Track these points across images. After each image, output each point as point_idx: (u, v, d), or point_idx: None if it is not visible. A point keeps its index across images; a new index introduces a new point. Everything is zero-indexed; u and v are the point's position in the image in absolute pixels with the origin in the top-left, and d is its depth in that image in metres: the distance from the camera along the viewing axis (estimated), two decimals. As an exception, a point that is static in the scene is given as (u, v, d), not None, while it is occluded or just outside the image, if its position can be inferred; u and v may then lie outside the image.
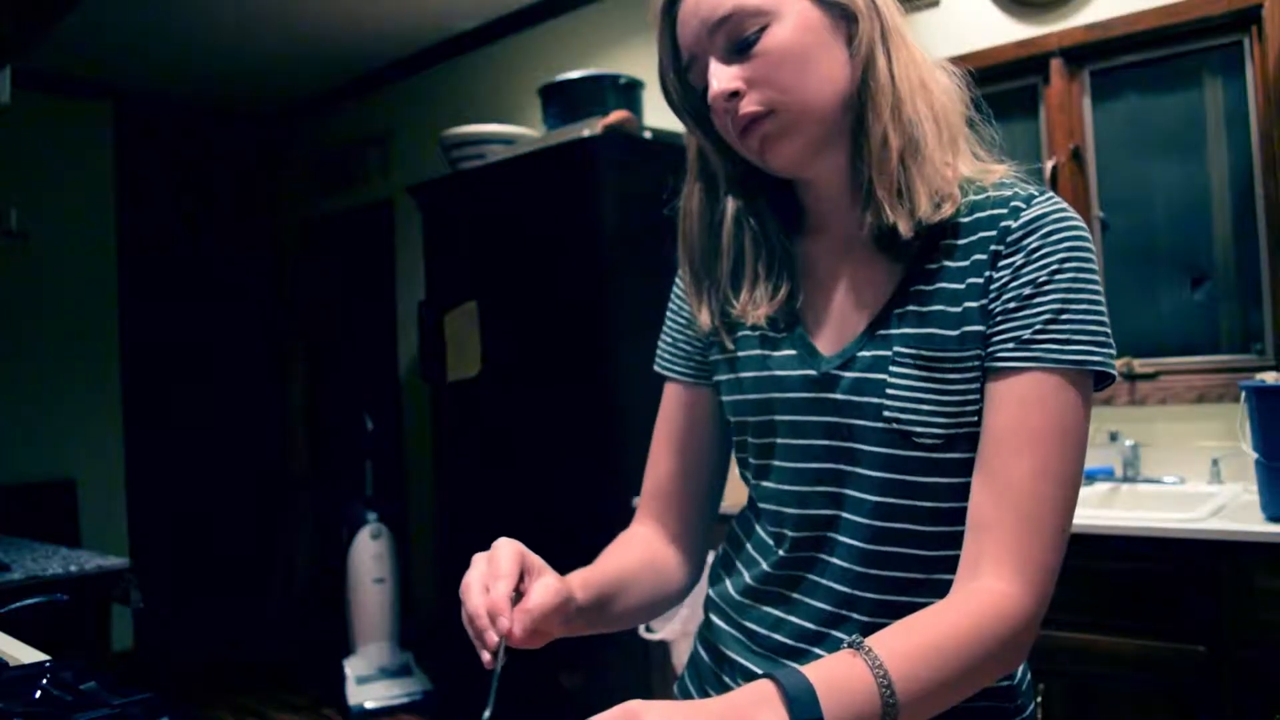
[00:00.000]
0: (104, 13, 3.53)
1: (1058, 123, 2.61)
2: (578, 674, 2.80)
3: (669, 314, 1.04)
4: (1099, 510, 2.22)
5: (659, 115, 3.17)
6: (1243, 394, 2.01)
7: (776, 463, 0.90)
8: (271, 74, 4.57)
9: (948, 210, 0.81)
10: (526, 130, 3.41)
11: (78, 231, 4.42)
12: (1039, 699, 2.01)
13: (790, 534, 0.88)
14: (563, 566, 0.95)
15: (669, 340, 1.03)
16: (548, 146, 2.99)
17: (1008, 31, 2.65)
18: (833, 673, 0.67)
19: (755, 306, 0.91)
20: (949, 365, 0.80)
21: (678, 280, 1.02)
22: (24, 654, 1.18)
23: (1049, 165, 2.60)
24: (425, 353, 3.51)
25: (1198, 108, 2.48)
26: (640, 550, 0.98)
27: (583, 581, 0.87)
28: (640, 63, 3.38)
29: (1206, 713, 1.85)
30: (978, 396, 0.79)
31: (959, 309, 0.80)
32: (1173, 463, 2.39)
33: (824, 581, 0.86)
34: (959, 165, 0.85)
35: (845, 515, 0.85)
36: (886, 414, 0.81)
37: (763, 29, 0.80)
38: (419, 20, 3.98)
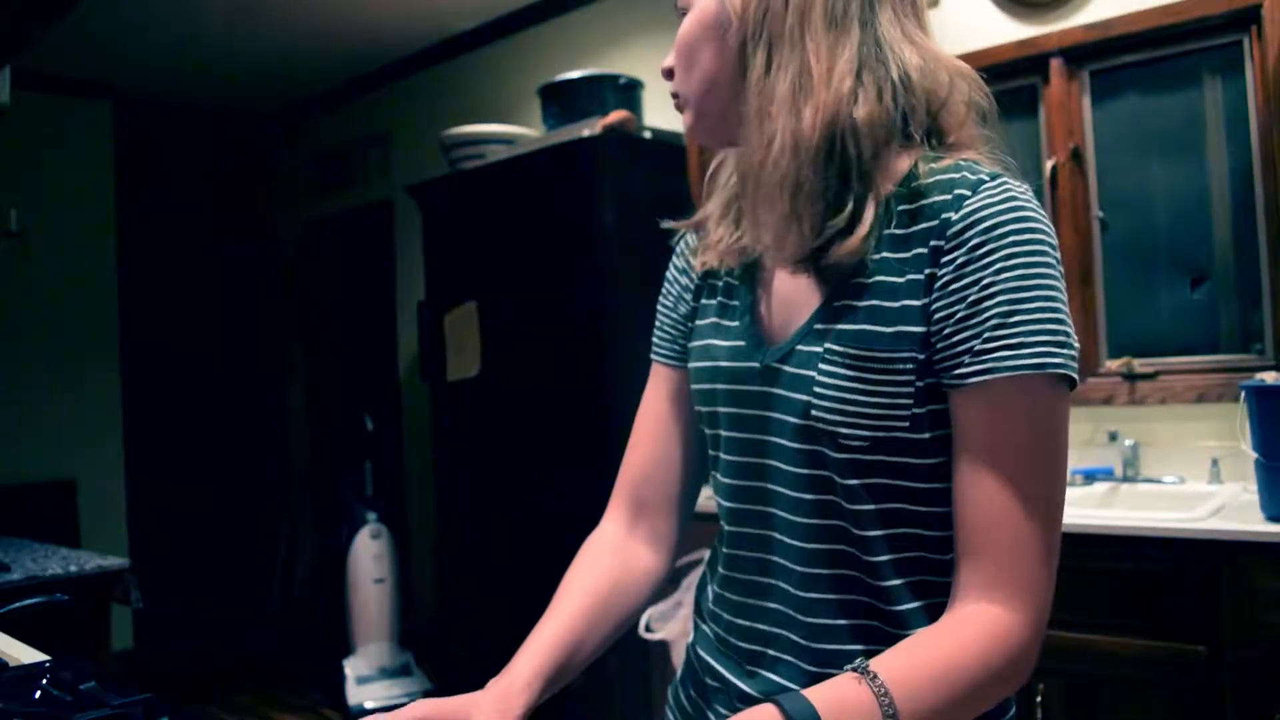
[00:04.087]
0: (104, 13, 3.53)
1: (1057, 123, 2.61)
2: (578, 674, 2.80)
3: (661, 295, 1.01)
4: (1099, 510, 2.22)
5: (659, 115, 3.17)
6: (1242, 394, 2.01)
7: (721, 455, 0.88)
8: (271, 74, 4.57)
9: (853, 243, 0.75)
10: (526, 130, 3.41)
11: (78, 231, 4.42)
12: (1039, 699, 2.01)
13: (728, 529, 0.88)
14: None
15: (657, 323, 1.01)
16: (547, 146, 2.99)
17: (1007, 31, 2.65)
18: (836, 697, 0.67)
19: (717, 246, 0.90)
20: (878, 365, 0.75)
21: (672, 261, 1.00)
22: (24, 654, 1.18)
23: (1049, 165, 2.60)
24: (425, 353, 3.51)
25: (1197, 108, 2.48)
26: (600, 576, 0.93)
27: (532, 676, 0.82)
28: (640, 63, 3.38)
29: (1206, 713, 1.85)
30: (909, 401, 0.74)
31: (897, 305, 0.75)
32: (1172, 462, 2.39)
33: (773, 582, 0.84)
34: (878, 183, 0.77)
35: (779, 513, 0.83)
36: (813, 413, 0.77)
37: (685, 15, 0.84)
38: (419, 20, 3.98)
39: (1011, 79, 2.66)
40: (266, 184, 5.32)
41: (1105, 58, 2.56)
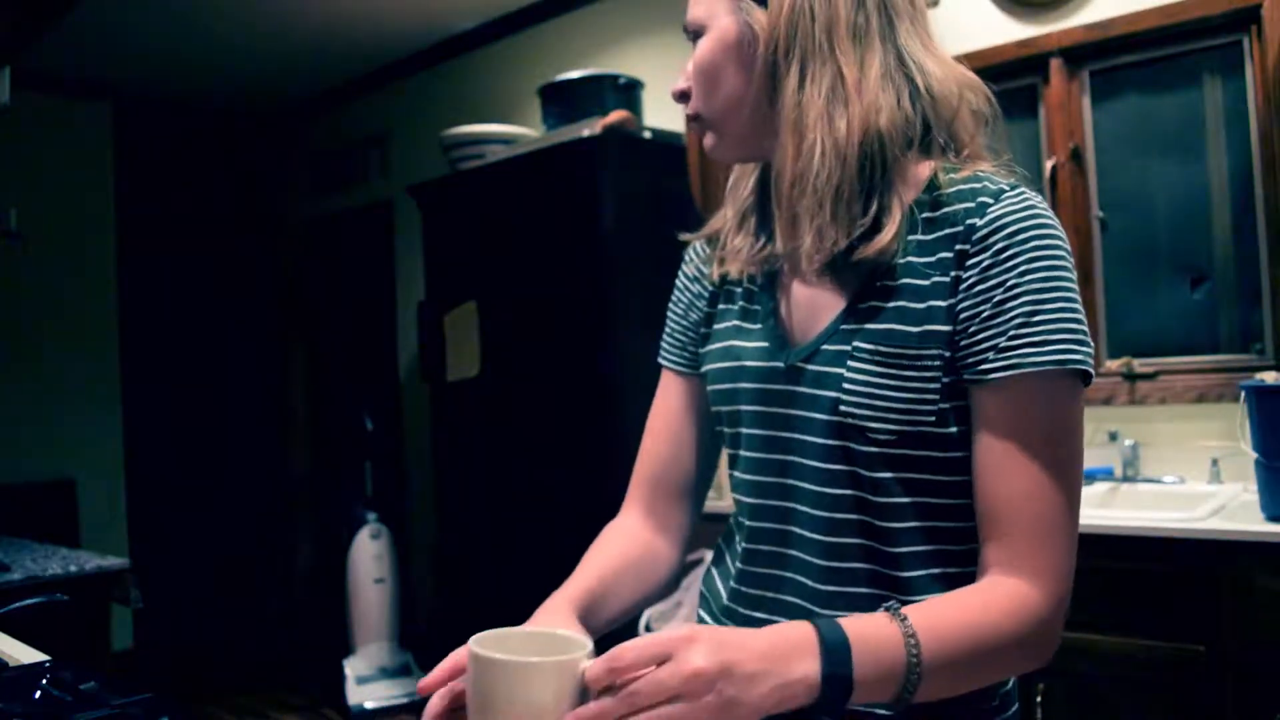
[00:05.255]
0: (104, 13, 3.53)
1: (1057, 123, 2.61)
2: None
3: (670, 303, 1.05)
4: (1099, 510, 2.22)
5: (658, 115, 3.17)
6: (1242, 394, 2.01)
7: (742, 452, 0.92)
8: (271, 74, 4.57)
9: (882, 241, 0.80)
10: (526, 130, 3.41)
11: (78, 232, 4.42)
12: (1040, 699, 2.01)
13: (748, 524, 0.91)
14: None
15: (667, 330, 1.05)
16: (547, 146, 2.99)
17: (1008, 31, 2.65)
18: (867, 631, 0.70)
19: (737, 256, 0.93)
20: (906, 362, 0.80)
21: (682, 269, 1.04)
22: (24, 654, 1.18)
23: (1049, 165, 2.60)
24: (425, 353, 3.51)
25: (1197, 108, 2.48)
26: (621, 549, 0.97)
27: (570, 598, 0.87)
28: (640, 63, 3.38)
29: (1206, 713, 1.85)
30: (935, 397, 0.79)
31: (923, 306, 0.80)
32: (1173, 463, 2.39)
33: (790, 575, 0.87)
34: (899, 188, 0.83)
35: (800, 508, 0.86)
36: (842, 408, 0.82)
37: (699, 39, 0.87)
38: (419, 20, 3.98)
39: (1011, 79, 2.66)
40: (266, 184, 5.31)
41: (1105, 58, 2.56)
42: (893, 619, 0.72)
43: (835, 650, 0.68)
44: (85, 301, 4.44)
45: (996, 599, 0.76)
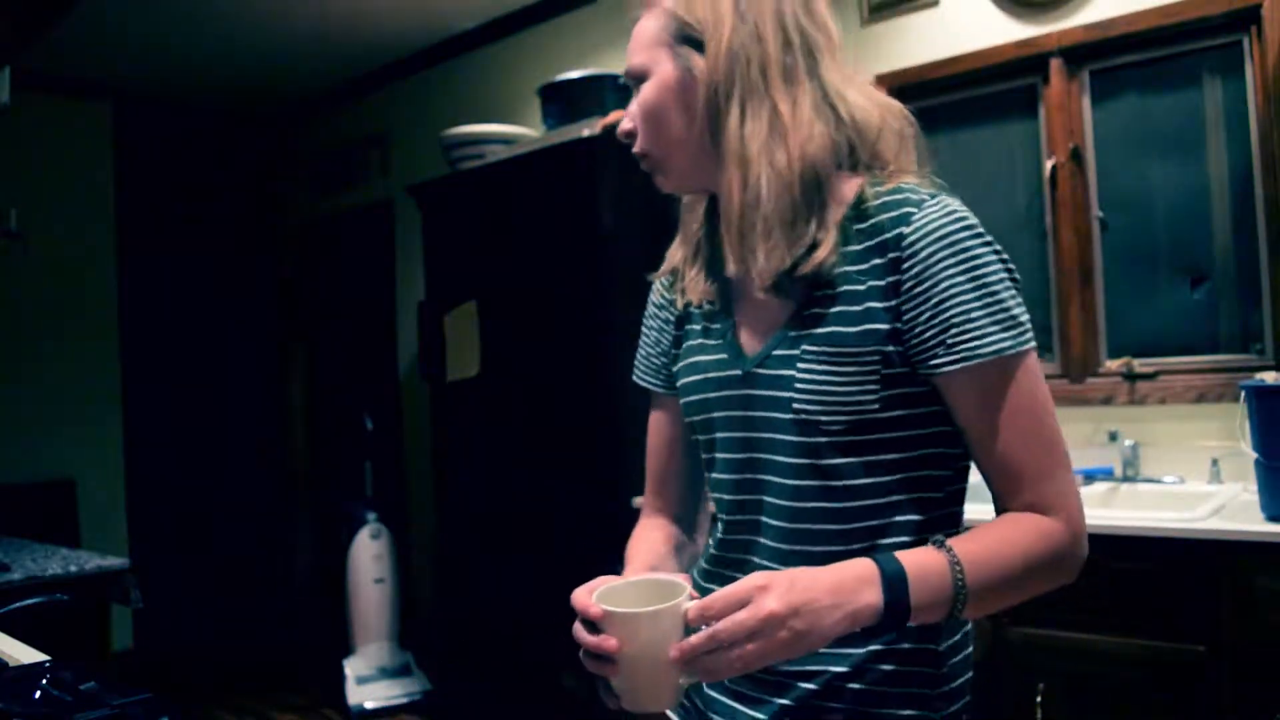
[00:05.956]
0: (104, 13, 3.53)
1: (1057, 123, 2.61)
2: (580, 673, 2.80)
3: (644, 327, 1.15)
4: (1099, 510, 2.22)
5: (659, 115, 3.17)
6: (1242, 394, 2.01)
7: (718, 455, 1.01)
8: (271, 74, 4.57)
9: (820, 256, 0.89)
10: (526, 130, 3.41)
11: (78, 232, 4.42)
12: (1039, 699, 2.01)
13: (724, 518, 1.00)
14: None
15: (642, 353, 1.15)
16: (547, 146, 2.99)
17: (1007, 31, 2.65)
18: (919, 562, 0.82)
19: (696, 285, 1.03)
20: (848, 359, 0.89)
21: (650, 298, 1.13)
22: (24, 654, 1.18)
23: (1049, 165, 2.60)
24: (425, 353, 3.51)
25: (1197, 108, 2.48)
26: (659, 539, 1.09)
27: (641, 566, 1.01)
28: (640, 63, 3.38)
29: (1206, 713, 1.85)
30: (877, 387, 0.88)
31: (860, 308, 0.89)
32: (1172, 462, 2.39)
33: (757, 560, 0.96)
34: (831, 206, 0.91)
35: (768, 499, 0.95)
36: (796, 406, 0.90)
37: (641, 83, 0.96)
38: (419, 20, 3.98)
39: (1011, 79, 2.65)
40: (266, 184, 5.31)
41: (1105, 58, 2.56)
42: (939, 550, 0.83)
43: (895, 581, 0.80)
44: (85, 301, 4.44)
45: (1024, 528, 0.86)
